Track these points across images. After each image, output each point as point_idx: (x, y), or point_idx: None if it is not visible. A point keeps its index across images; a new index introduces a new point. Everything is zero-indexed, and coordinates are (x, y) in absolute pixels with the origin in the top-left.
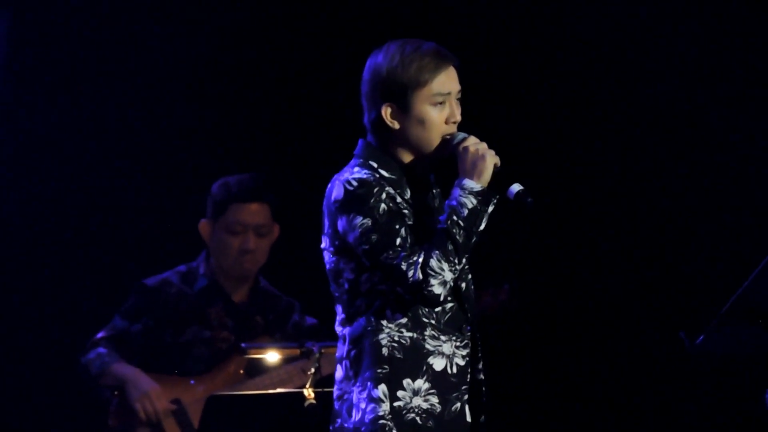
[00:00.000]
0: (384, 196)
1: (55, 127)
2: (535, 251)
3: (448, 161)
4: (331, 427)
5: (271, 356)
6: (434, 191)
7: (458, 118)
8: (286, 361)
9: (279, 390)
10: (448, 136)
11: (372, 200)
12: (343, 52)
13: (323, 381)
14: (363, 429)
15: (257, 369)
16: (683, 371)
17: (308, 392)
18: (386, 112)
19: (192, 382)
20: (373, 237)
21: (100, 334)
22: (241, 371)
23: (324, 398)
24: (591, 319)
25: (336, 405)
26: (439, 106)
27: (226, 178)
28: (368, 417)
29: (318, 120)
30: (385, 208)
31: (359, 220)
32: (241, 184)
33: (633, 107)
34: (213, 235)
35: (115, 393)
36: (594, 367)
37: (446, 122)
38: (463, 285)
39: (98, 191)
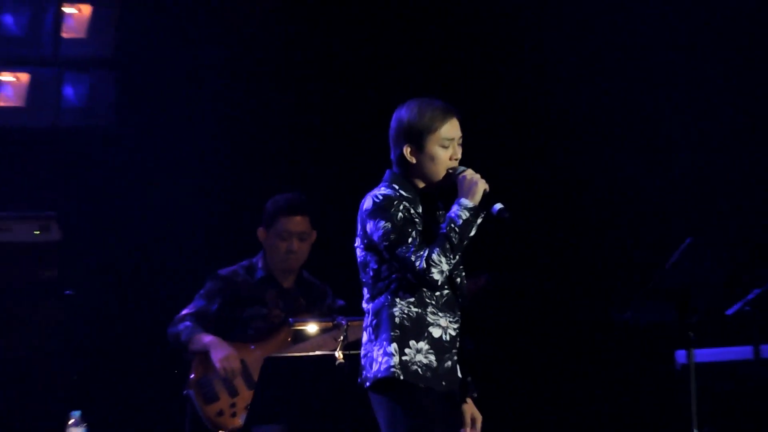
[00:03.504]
0: (402, 207)
1: (155, 150)
2: (502, 252)
3: (451, 188)
4: (359, 379)
5: (311, 328)
6: (440, 212)
7: (458, 156)
8: (322, 331)
9: (317, 353)
10: (451, 170)
11: (392, 210)
12: (370, 102)
13: (350, 346)
14: (380, 375)
15: (300, 337)
16: (613, 338)
17: (339, 354)
18: (407, 150)
19: (252, 347)
20: (392, 236)
21: (184, 311)
22: (289, 339)
23: (350, 359)
24: (546, 298)
25: (362, 362)
26: (445, 148)
27: (276, 196)
28: (383, 366)
29: (348, 154)
30: (402, 216)
31: (382, 223)
32: (288, 201)
33: (567, 117)
34: (267, 239)
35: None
36: (547, 338)
37: (450, 159)
38: (458, 279)
39: (186, 205)
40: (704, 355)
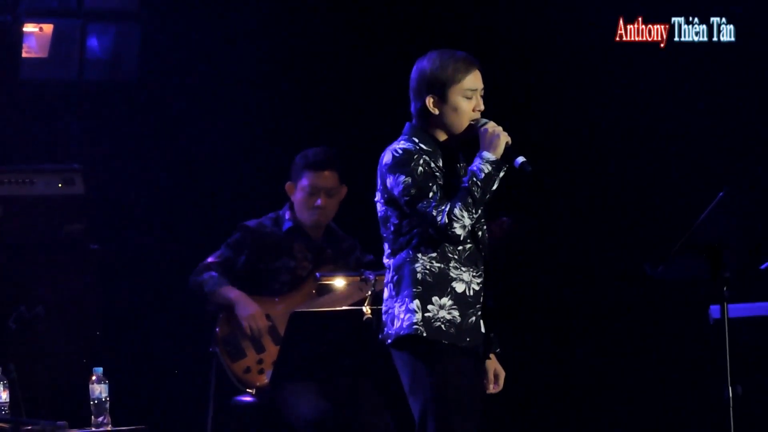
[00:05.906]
0: (422, 161)
1: (179, 103)
2: (532, 205)
3: (472, 141)
4: (380, 335)
5: (338, 282)
6: (461, 165)
7: (482, 108)
8: (350, 285)
9: (344, 307)
10: (473, 122)
11: (412, 164)
12: (393, 60)
13: (377, 301)
14: (402, 333)
15: (325, 290)
16: (646, 293)
17: (366, 309)
18: (430, 101)
19: (276, 300)
20: (412, 191)
21: (210, 259)
22: (314, 291)
23: (378, 314)
24: (578, 254)
25: (384, 318)
26: (468, 99)
27: (305, 151)
28: (405, 323)
29: (374, 109)
30: (422, 170)
31: (402, 178)
32: (316, 156)
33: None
34: (295, 194)
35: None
36: (578, 293)
37: (473, 110)
38: (480, 233)
39: (211, 159)
40: (738, 310)
